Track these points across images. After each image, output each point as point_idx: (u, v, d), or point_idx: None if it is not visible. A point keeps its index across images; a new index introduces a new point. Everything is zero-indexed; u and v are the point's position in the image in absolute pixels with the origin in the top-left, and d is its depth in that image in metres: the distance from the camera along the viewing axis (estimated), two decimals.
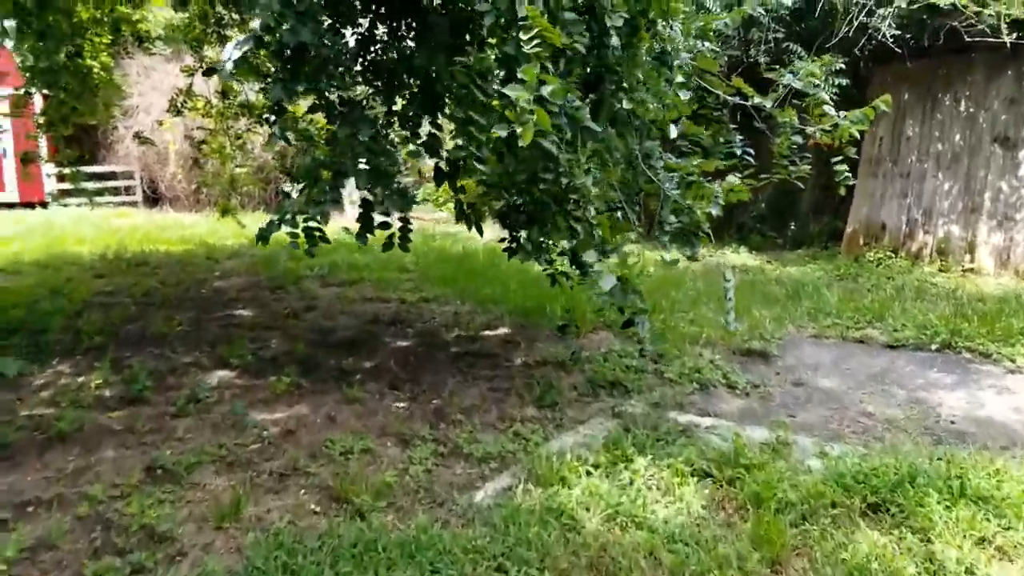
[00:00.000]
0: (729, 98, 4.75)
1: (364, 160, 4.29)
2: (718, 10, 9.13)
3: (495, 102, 3.65)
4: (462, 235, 13.18)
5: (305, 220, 4.10)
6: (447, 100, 4.63)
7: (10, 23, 7.12)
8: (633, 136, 4.61)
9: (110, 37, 9.11)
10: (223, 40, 8.95)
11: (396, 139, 5.12)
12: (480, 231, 5.00)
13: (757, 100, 4.62)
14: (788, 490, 3.46)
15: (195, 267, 9.35)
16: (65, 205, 16.20)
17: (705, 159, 4.86)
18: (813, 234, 11.02)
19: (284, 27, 3.68)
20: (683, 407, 4.86)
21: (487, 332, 6.43)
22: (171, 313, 6.94)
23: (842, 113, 4.55)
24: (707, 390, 5.21)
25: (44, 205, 16.67)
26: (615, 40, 4.10)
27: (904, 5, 8.54)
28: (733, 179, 4.68)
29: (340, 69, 4.14)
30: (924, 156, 10.25)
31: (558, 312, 6.74)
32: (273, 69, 3.99)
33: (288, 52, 3.79)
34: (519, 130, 2.99)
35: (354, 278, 8.58)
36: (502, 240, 5.25)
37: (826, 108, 4.57)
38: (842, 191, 4.88)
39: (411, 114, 4.77)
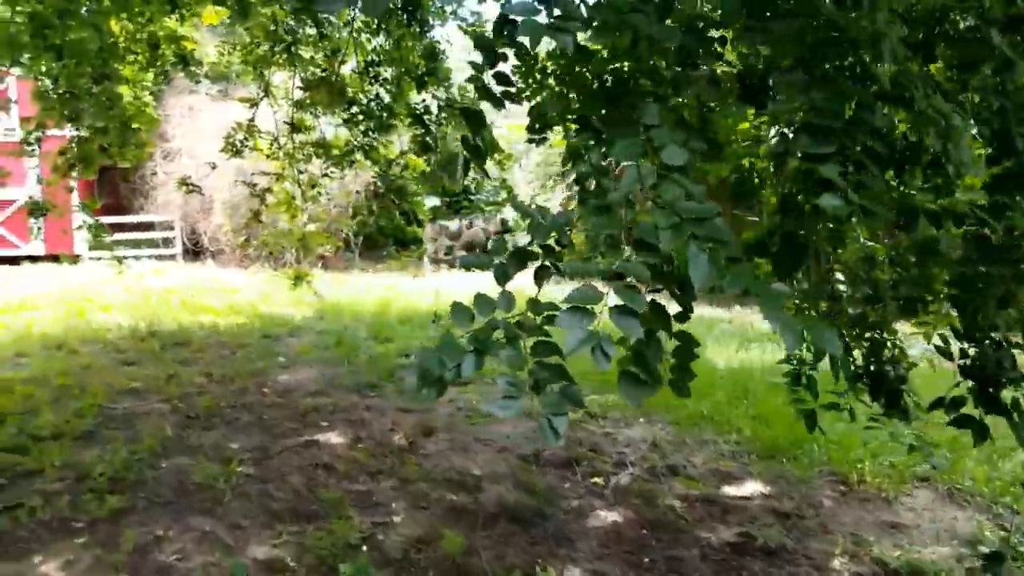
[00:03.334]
0: None
1: None
2: None
3: None
4: None
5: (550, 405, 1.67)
6: None
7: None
8: None
9: (145, 59, 7.07)
10: (293, 62, 6.85)
11: None
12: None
13: None
14: None
15: (249, 350, 7.10)
16: (99, 259, 14.34)
17: None
18: None
19: None
20: None
21: (729, 489, 4.02)
22: (223, 436, 4.66)
23: None
24: None
25: (75, 260, 14.79)
26: None
27: None
28: None
29: None
30: None
31: (821, 448, 4.33)
32: None
33: None
34: None
35: None
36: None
37: None
38: None
39: None
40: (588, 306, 1.55)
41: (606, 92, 1.77)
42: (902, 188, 2.20)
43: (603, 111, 1.95)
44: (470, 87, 6.34)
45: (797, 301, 2.51)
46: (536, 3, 1.59)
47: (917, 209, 2.14)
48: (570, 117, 1.95)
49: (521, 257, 1.80)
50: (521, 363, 1.64)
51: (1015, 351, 1.97)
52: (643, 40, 1.66)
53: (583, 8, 1.62)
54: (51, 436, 4.40)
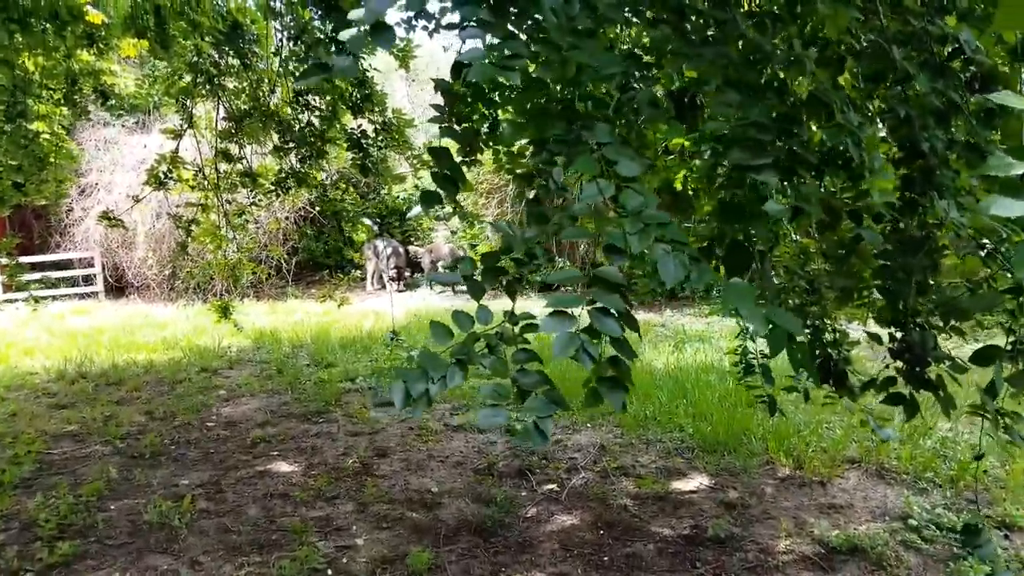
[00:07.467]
0: None
1: None
2: None
3: None
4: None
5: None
6: None
7: None
8: None
9: (62, 94, 6.92)
10: (216, 93, 6.78)
11: None
12: None
13: None
14: None
15: (188, 385, 6.96)
16: (14, 301, 13.84)
17: None
18: None
19: None
20: None
21: (677, 485, 4.19)
22: (172, 473, 4.58)
23: None
24: None
25: None
26: None
27: None
28: None
29: None
30: None
31: (759, 440, 4.57)
32: None
33: None
34: None
35: None
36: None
37: None
38: None
39: None
40: (569, 309, 1.64)
41: (557, 116, 1.91)
42: (823, 190, 2.41)
43: (556, 133, 2.07)
44: (404, 110, 6.45)
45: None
46: (484, 48, 1.69)
47: (838, 210, 2.35)
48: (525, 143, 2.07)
49: (495, 272, 1.88)
50: (505, 370, 1.72)
51: (936, 333, 2.18)
52: (586, 69, 1.79)
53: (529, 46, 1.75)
54: None
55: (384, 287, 14.76)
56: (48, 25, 5.93)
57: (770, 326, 1.58)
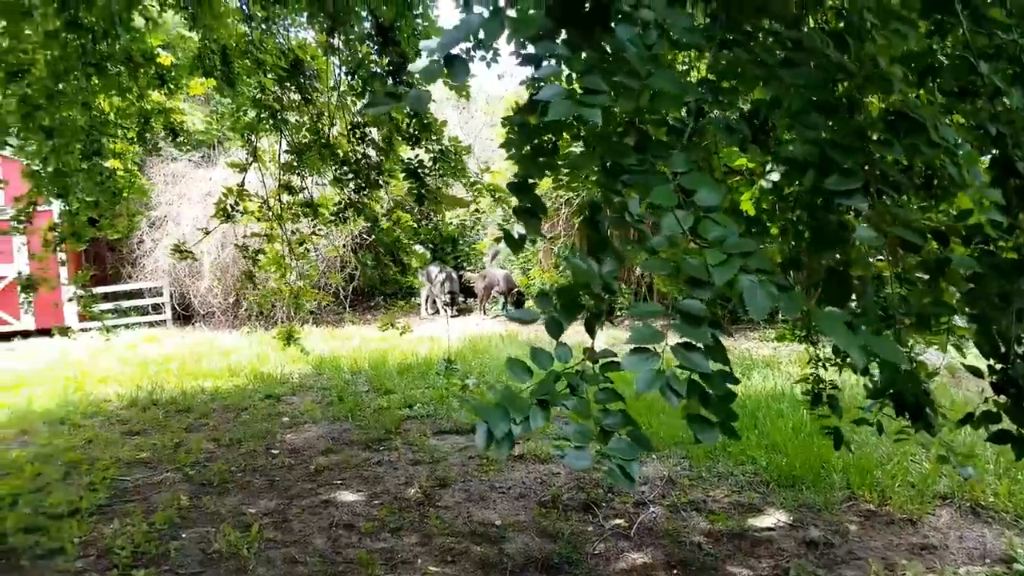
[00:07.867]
0: None
1: None
2: None
3: None
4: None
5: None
6: None
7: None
8: None
9: (135, 133, 7.19)
10: (279, 127, 6.95)
11: None
12: None
13: None
14: None
15: (253, 412, 7.06)
16: (88, 330, 14.29)
17: None
18: None
19: None
20: None
21: (753, 522, 4.03)
22: (240, 501, 4.62)
23: None
24: None
25: (65, 332, 14.65)
26: None
27: None
28: None
29: None
30: None
31: (839, 473, 4.36)
32: None
33: None
34: None
35: (474, 419, 6.25)
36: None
37: None
38: None
39: None
40: (651, 346, 1.55)
41: (627, 145, 1.85)
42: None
43: (630, 163, 2.01)
44: (462, 138, 6.50)
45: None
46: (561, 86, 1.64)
47: (923, 231, 2.23)
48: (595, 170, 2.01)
49: (573, 307, 1.80)
50: (588, 412, 1.65)
51: None
52: (661, 97, 1.73)
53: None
54: (67, 513, 4.36)
55: (438, 312, 14.85)
56: (122, 68, 6.19)
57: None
